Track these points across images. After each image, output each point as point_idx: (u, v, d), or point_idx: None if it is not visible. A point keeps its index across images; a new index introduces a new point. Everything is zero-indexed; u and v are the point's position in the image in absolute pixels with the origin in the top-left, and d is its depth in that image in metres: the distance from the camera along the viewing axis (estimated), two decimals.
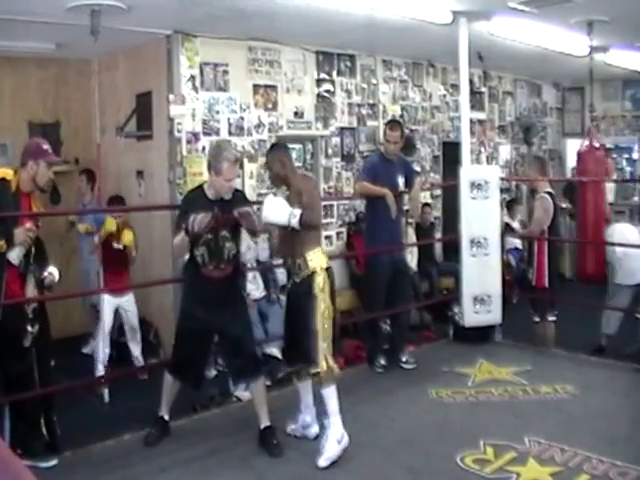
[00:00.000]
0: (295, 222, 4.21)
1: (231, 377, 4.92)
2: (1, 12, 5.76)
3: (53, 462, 4.25)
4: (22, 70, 7.89)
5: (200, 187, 4.50)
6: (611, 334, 7.17)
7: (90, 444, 4.57)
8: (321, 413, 4.42)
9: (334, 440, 4.20)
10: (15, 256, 4.20)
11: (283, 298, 7.51)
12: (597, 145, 7.27)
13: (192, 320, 4.43)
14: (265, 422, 4.46)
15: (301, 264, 4.33)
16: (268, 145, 7.92)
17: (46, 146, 4.38)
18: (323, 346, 4.23)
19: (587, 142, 7.22)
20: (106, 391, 6.31)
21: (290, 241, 4.42)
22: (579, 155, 7.39)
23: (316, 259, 4.36)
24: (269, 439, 4.40)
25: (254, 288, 7.28)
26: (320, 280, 4.30)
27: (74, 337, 7.53)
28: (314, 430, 4.55)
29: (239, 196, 4.55)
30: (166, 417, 4.66)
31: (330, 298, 4.36)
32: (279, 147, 4.89)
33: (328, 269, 4.41)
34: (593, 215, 6.99)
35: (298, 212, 4.21)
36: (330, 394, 4.28)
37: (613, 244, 6.93)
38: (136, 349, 6.89)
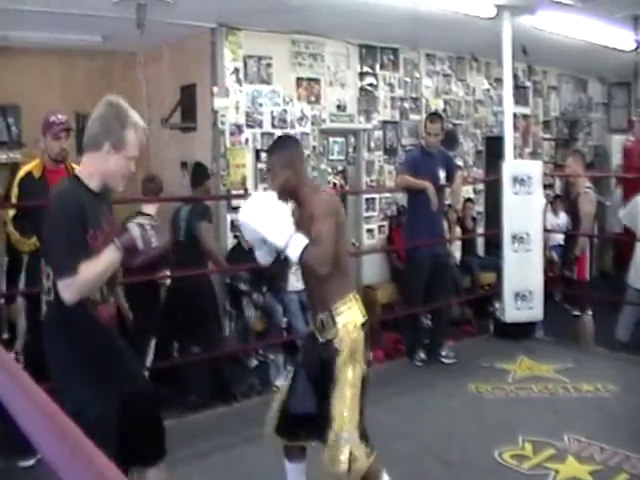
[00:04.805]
0: (293, 254, 2.92)
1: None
2: (50, 5, 5.87)
3: None
4: (70, 62, 8.02)
5: (75, 179, 2.78)
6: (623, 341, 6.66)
7: None
8: None
9: None
10: None
11: None
12: None
13: (103, 396, 2.63)
14: None
15: (325, 321, 3.07)
16: (311, 139, 8.06)
17: (53, 118, 4.34)
18: (346, 437, 2.98)
19: (632, 137, 7.05)
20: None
21: (308, 281, 3.20)
22: (625, 150, 7.24)
23: (348, 313, 3.08)
24: None
25: (295, 279, 7.32)
26: (349, 343, 3.03)
27: None
28: None
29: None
30: None
31: (362, 364, 3.07)
32: (289, 143, 3.38)
33: (364, 324, 3.12)
34: None
35: (303, 241, 2.92)
36: None
37: None
38: None
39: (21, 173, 4.35)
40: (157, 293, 5.92)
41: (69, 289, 2.54)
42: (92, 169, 2.76)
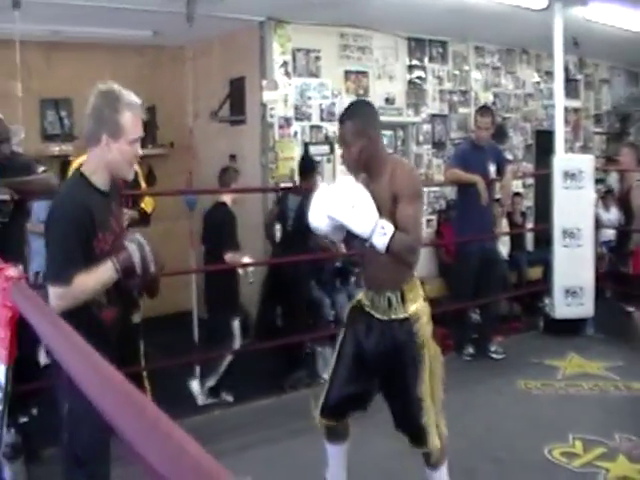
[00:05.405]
0: (381, 244, 2.72)
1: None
2: (102, 1, 5.94)
3: None
4: (120, 56, 8.08)
5: (79, 176, 2.69)
6: None
7: (179, 418, 4.69)
8: None
9: None
10: None
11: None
12: None
13: None
14: None
15: (393, 300, 2.93)
16: None
17: None
18: (433, 418, 2.96)
19: None
20: (197, 368, 6.42)
21: (376, 258, 2.88)
22: None
23: (417, 293, 3.00)
24: None
25: None
26: (425, 323, 2.98)
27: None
28: None
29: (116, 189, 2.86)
30: None
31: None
32: (363, 108, 3.06)
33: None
34: None
35: (390, 229, 2.71)
36: (442, 476, 3.09)
37: None
38: None
39: (74, 165, 4.41)
40: (234, 274, 5.90)
41: (62, 299, 2.48)
42: (96, 164, 2.67)
